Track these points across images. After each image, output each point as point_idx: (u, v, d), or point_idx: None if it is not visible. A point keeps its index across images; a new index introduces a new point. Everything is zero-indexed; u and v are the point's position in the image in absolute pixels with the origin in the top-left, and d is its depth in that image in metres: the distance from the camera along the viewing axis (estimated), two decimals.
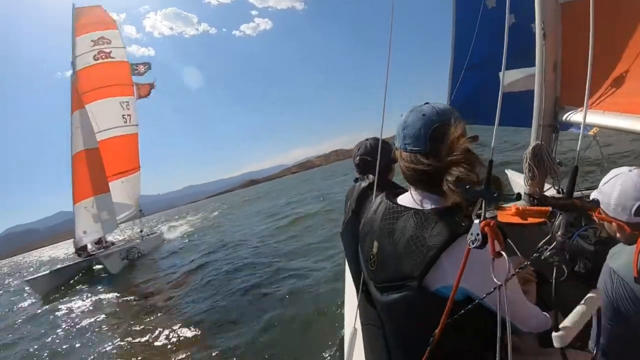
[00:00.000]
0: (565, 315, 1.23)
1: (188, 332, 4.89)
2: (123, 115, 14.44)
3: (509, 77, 2.78)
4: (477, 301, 0.77)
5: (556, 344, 0.76)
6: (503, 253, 0.66)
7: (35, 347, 6.01)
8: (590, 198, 1.12)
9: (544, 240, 1.78)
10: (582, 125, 1.30)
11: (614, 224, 1.03)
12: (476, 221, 0.68)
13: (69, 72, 13.99)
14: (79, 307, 7.99)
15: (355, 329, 1.58)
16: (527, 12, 2.35)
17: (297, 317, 4.48)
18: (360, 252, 1.10)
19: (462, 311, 0.75)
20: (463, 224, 0.79)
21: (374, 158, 1.68)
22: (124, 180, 14.48)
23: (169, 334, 4.95)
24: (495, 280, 0.69)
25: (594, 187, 1.17)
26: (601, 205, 1.06)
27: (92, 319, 6.74)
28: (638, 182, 0.97)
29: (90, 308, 7.75)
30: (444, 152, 0.84)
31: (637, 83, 1.58)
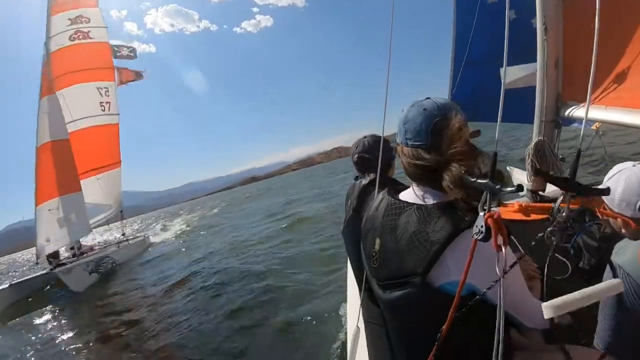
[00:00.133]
0: (570, 312, 1.22)
1: None
2: (101, 102, 12.59)
3: (511, 74, 2.77)
4: (478, 297, 0.76)
5: (546, 314, 0.75)
6: (502, 247, 0.65)
7: None
8: None
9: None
10: (585, 114, 1.29)
11: (618, 219, 1.02)
12: (481, 214, 0.68)
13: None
14: (31, 332, 6.61)
15: (358, 328, 1.57)
16: (527, 7, 2.35)
17: (296, 318, 4.41)
18: (362, 250, 1.09)
19: (469, 305, 0.75)
20: (466, 219, 0.78)
21: (371, 155, 1.68)
22: (100, 177, 12.66)
23: None
24: (497, 272, 0.68)
25: (598, 184, 1.16)
26: (606, 201, 1.05)
27: (41, 350, 5.57)
28: None
29: (44, 336, 6.34)
30: (445, 147, 0.84)
31: None
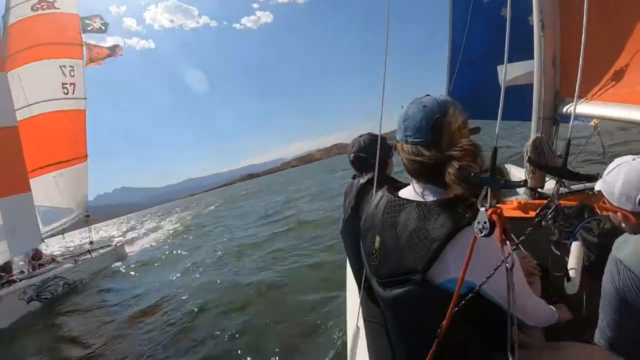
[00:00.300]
0: (570, 308, 1.22)
1: None
2: (63, 84, 10.27)
3: (508, 71, 2.78)
4: (471, 295, 0.76)
5: (569, 291, 0.92)
6: (508, 242, 0.65)
7: None
8: (595, 189, 1.10)
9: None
10: (573, 110, 1.28)
11: (618, 213, 1.02)
12: (482, 209, 0.68)
13: None
14: None
15: (357, 327, 1.57)
16: (524, 4, 2.35)
17: (295, 320, 4.27)
18: (362, 248, 1.08)
19: (467, 301, 0.75)
20: (467, 215, 0.78)
21: (367, 154, 1.68)
22: (57, 174, 10.19)
23: None
24: (500, 268, 0.68)
25: (594, 175, 1.16)
26: (605, 195, 1.05)
27: None
28: None
29: None
30: (445, 143, 0.84)
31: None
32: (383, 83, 1.54)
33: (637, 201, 0.96)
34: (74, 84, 10.57)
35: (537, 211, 1.61)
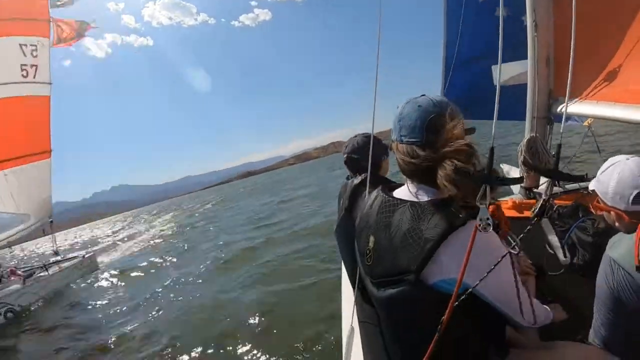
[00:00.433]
0: (565, 308, 1.22)
1: None
2: (22, 65, 8.49)
3: (502, 71, 2.79)
4: (465, 295, 0.75)
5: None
6: (509, 237, 0.66)
7: None
8: (589, 188, 1.11)
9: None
10: (565, 109, 1.28)
11: (612, 213, 1.03)
12: (482, 206, 0.69)
13: None
14: None
15: (352, 328, 1.56)
16: (518, 4, 2.36)
17: (295, 321, 4.25)
18: (356, 249, 1.08)
19: (464, 299, 0.74)
20: (460, 216, 0.77)
21: (360, 156, 1.68)
22: (11, 172, 8.40)
23: None
24: (497, 268, 0.68)
25: (586, 176, 1.16)
26: (599, 195, 1.05)
27: None
28: (635, 170, 0.96)
29: None
30: (440, 143, 0.83)
31: (634, 72, 1.57)
32: (374, 86, 1.53)
33: (630, 200, 0.96)
34: (35, 65, 8.75)
35: (533, 210, 1.62)
